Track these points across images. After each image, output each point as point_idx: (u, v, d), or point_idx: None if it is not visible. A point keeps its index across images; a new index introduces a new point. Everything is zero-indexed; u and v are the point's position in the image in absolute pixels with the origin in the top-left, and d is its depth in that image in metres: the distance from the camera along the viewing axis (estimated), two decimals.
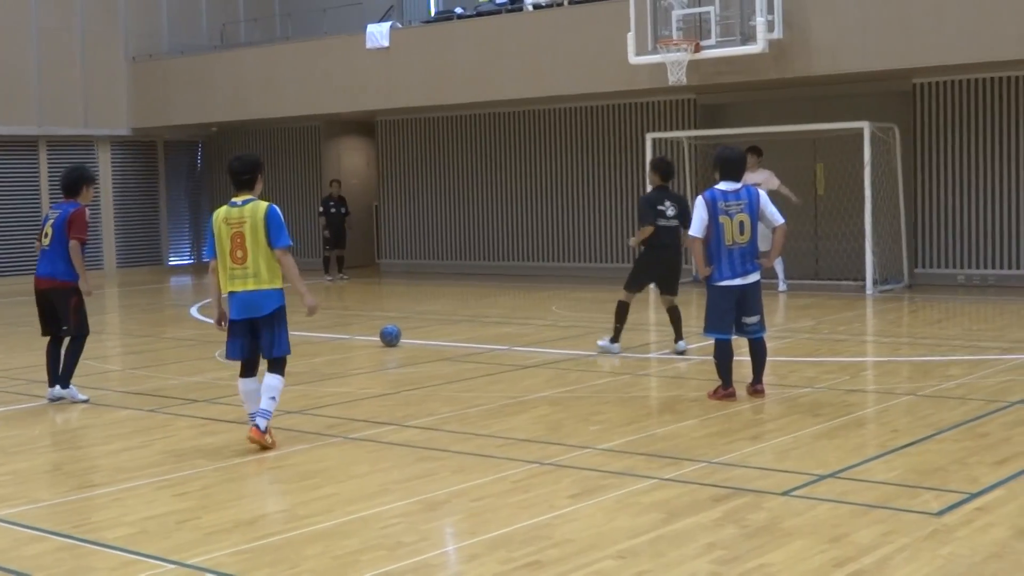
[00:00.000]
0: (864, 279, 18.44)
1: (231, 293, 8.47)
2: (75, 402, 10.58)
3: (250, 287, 8.41)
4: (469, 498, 7.03)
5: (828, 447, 8.18)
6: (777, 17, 18.02)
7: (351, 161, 28.07)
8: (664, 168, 12.53)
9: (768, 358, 10.24)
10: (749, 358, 10.10)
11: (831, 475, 7.32)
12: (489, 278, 23.29)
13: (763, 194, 10.06)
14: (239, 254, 8.41)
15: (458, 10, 23.62)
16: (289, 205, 27.74)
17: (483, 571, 5.71)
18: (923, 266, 19.60)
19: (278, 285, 8.50)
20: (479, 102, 22.87)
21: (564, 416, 9.44)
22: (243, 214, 8.47)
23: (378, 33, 23.03)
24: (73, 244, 10.44)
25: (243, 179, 8.61)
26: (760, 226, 9.97)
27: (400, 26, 23.79)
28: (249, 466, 8.09)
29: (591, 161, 23.12)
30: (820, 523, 6.29)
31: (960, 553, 5.74)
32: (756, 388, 10.01)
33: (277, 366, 8.56)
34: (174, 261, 29.00)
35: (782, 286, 18.64)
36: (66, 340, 10.64)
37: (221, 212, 8.57)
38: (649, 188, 13.01)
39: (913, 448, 7.98)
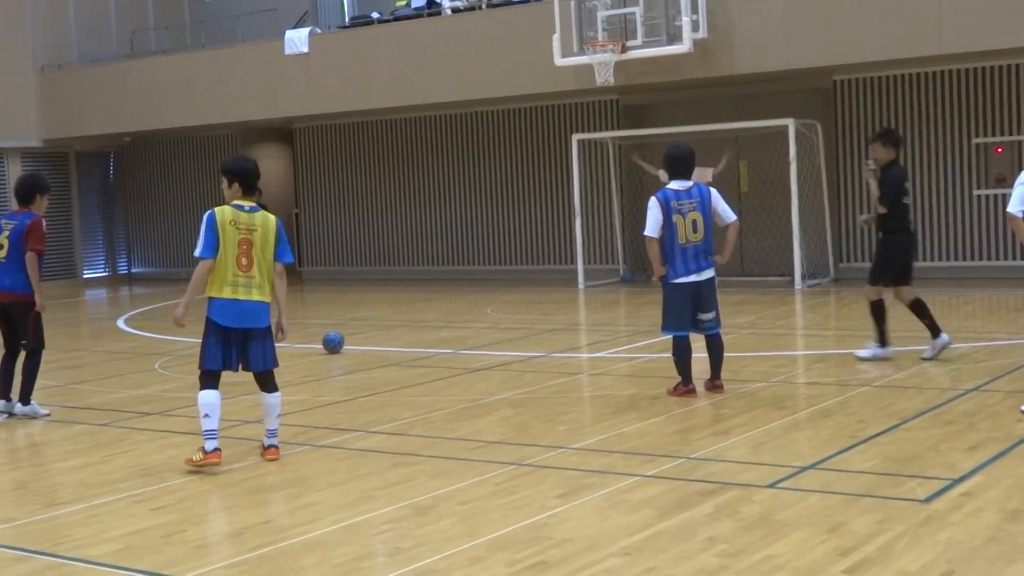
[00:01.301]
0: (791, 274, 18.70)
1: (229, 300, 8.04)
2: (36, 417, 10.35)
3: (255, 297, 8.10)
4: (456, 502, 6.97)
5: (800, 439, 8.27)
6: (701, 17, 18.21)
7: (269, 168, 27.71)
8: (898, 140, 11.42)
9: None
10: (707, 354, 10.15)
11: (811, 466, 7.39)
12: (415, 283, 23.20)
13: (715, 192, 10.12)
14: (244, 261, 8.07)
15: (375, 15, 23.49)
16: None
17: (491, 573, 5.67)
18: (847, 260, 19.92)
19: (270, 299, 8.27)
20: (402, 106, 22.77)
21: (529, 417, 9.42)
22: (253, 221, 8.13)
23: (297, 39, 22.82)
24: (30, 256, 10.11)
25: (255, 184, 8.30)
26: None
27: (320, 31, 23.58)
28: (222, 478, 7.93)
29: (515, 163, 23.15)
30: (814, 513, 6.35)
31: (958, 538, 5.82)
32: (715, 384, 10.07)
33: (272, 382, 8.31)
34: (89, 274, 28.45)
35: None
36: (21, 355, 10.38)
37: (227, 213, 8.08)
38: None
39: (884, 437, 8.09)
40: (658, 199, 9.91)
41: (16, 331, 10.35)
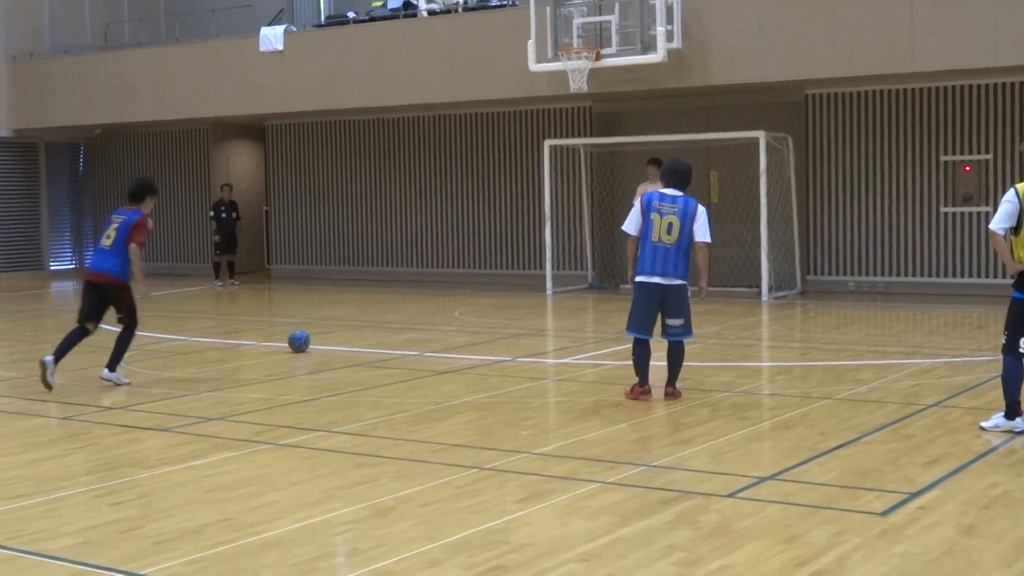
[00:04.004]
0: (758, 286, 18.79)
1: None
2: (119, 385, 11.43)
3: None
4: (416, 504, 6.97)
5: (761, 449, 8.32)
6: (676, 28, 18.28)
7: (240, 165, 27.69)
8: None
9: (683, 363, 10.34)
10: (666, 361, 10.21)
11: (771, 477, 7.43)
12: (383, 284, 23.17)
13: (702, 210, 10.18)
14: None
15: (351, 14, 23.46)
16: (178, 209, 27.32)
17: None
18: (814, 273, 20.03)
19: None
20: (375, 107, 22.76)
21: (492, 421, 9.43)
22: None
23: (272, 36, 22.78)
24: (134, 248, 11.36)
25: None
26: None
27: (295, 29, 23.55)
28: (181, 474, 7.91)
29: (487, 167, 23.16)
30: (772, 524, 6.39)
31: (913, 552, 5.87)
32: (667, 391, 10.13)
33: None
34: (55, 266, 28.29)
35: None
36: (100, 330, 11.70)
37: None
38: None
39: (844, 450, 8.14)
40: (643, 198, 10.23)
41: (97, 308, 11.53)
